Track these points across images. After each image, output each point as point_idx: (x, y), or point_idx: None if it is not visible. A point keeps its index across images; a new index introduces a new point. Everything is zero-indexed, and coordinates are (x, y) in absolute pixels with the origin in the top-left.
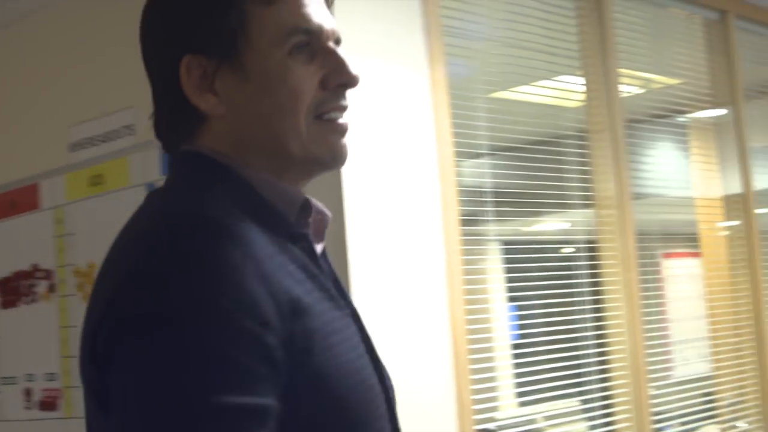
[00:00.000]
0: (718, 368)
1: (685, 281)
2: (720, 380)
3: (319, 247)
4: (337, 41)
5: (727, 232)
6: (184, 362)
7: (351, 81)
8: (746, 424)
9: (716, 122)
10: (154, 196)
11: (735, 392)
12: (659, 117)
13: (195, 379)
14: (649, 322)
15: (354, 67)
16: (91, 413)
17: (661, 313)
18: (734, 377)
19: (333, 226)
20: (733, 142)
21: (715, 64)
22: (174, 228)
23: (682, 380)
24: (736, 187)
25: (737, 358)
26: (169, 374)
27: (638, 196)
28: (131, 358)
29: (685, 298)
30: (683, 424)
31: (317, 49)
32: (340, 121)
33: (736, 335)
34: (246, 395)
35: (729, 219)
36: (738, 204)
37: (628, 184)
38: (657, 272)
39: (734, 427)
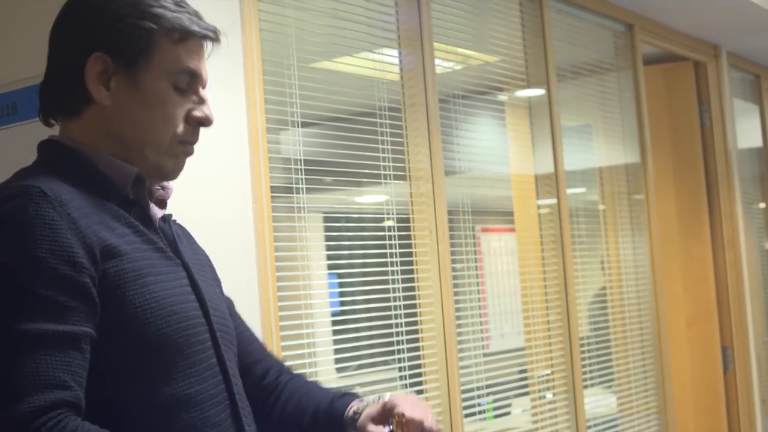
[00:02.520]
0: (530, 342)
1: (502, 256)
2: (532, 354)
3: (159, 213)
4: (204, 86)
5: (539, 210)
6: (4, 301)
7: (206, 121)
8: (552, 395)
9: (531, 101)
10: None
11: (545, 365)
12: (477, 93)
13: (12, 313)
14: (466, 294)
15: (210, 111)
16: None
17: (479, 286)
18: (544, 351)
19: None
20: (546, 122)
21: (530, 44)
22: (3, 196)
23: (498, 353)
24: (548, 165)
25: (547, 331)
26: None
27: (455, 171)
28: None
29: (501, 272)
30: (497, 395)
31: (192, 90)
32: (189, 149)
33: (546, 310)
34: (59, 324)
35: (541, 197)
36: (550, 182)
37: (441, 158)
38: (476, 246)
39: (543, 398)
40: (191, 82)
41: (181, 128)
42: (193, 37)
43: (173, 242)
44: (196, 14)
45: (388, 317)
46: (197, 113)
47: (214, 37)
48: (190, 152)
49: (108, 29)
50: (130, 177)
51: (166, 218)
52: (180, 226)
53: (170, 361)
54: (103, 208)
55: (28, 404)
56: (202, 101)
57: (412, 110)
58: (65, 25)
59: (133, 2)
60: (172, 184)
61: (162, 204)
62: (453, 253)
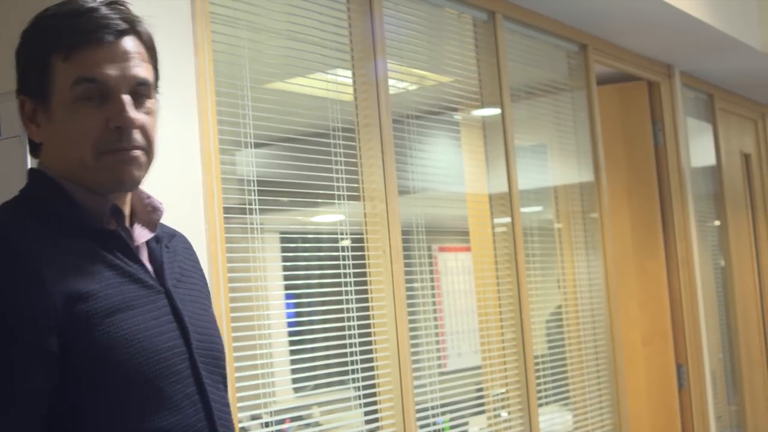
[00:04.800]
0: (486, 360)
1: (458, 275)
2: (488, 372)
3: (145, 236)
4: (142, 84)
5: (494, 229)
6: None
7: (125, 124)
8: (507, 414)
9: (485, 121)
10: None
11: (500, 383)
12: (431, 114)
13: None
14: (422, 313)
15: (133, 111)
16: None
17: (436, 305)
18: (500, 369)
19: None
20: (500, 141)
21: (484, 64)
22: None
23: (455, 371)
24: (502, 185)
25: (503, 350)
26: None
27: (410, 191)
28: None
29: (458, 291)
30: (454, 414)
31: (106, 96)
32: (124, 155)
33: (501, 329)
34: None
35: (496, 216)
36: (504, 201)
37: (394, 178)
38: (433, 265)
39: (499, 416)
40: (102, 89)
41: (96, 139)
42: (84, 44)
43: (159, 268)
44: (104, 14)
45: (343, 337)
46: (113, 120)
47: (118, 29)
48: (127, 159)
49: (20, 72)
50: (106, 208)
51: (160, 238)
52: (180, 241)
53: (143, 396)
54: (74, 248)
55: None
56: (119, 105)
57: (366, 130)
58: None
59: (31, 37)
60: (162, 206)
61: (152, 226)
62: (409, 273)
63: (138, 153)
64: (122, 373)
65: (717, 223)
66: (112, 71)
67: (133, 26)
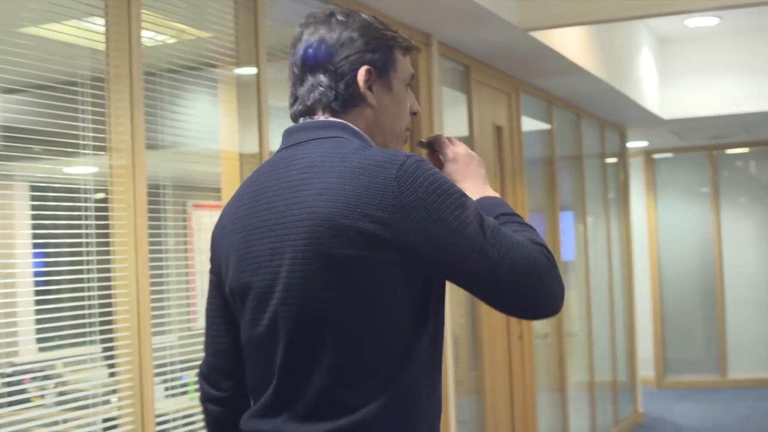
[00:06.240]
0: None
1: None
2: None
3: None
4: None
5: None
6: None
7: (418, 111)
8: None
9: (240, 79)
10: (340, 143)
11: None
12: (189, 69)
13: None
14: (172, 270)
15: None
16: None
17: (187, 263)
18: None
19: None
20: (254, 101)
21: (242, 21)
22: (403, 156)
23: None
24: (254, 145)
25: None
26: None
27: (162, 146)
28: None
29: (209, 249)
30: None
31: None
32: (408, 134)
33: None
34: None
35: (246, 175)
36: (254, 161)
37: (142, 131)
38: (186, 221)
39: None
40: (409, 83)
41: (408, 118)
42: (411, 50)
43: None
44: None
45: (82, 290)
46: (413, 106)
47: (417, 48)
48: (407, 138)
49: (370, 51)
50: None
51: None
52: None
53: None
54: None
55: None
56: (413, 97)
57: (116, 81)
58: (345, 45)
59: (377, 33)
60: None
61: None
62: (159, 228)
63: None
64: None
65: None
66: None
67: None
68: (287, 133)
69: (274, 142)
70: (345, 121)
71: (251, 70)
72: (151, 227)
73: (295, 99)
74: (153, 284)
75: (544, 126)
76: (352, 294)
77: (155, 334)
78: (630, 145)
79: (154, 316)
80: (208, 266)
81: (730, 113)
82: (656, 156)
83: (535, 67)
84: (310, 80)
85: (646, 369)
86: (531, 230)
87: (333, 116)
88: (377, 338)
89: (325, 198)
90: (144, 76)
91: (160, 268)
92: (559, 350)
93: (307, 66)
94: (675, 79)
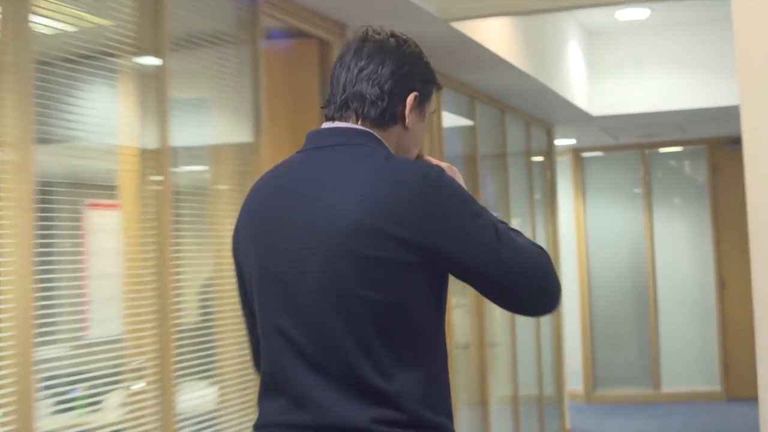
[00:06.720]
0: (129, 329)
1: (107, 234)
2: (129, 342)
3: None
4: None
5: (142, 187)
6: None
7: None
8: (145, 385)
9: (141, 70)
10: (370, 151)
11: (140, 353)
12: (86, 58)
13: None
14: (63, 274)
15: None
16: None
17: (80, 267)
18: (139, 339)
19: None
20: (155, 93)
21: (144, 8)
22: (428, 167)
23: (97, 341)
24: (155, 140)
25: (147, 319)
26: None
27: (55, 140)
28: None
29: (106, 252)
30: (92, 384)
31: None
32: None
33: (146, 296)
34: None
35: (146, 173)
36: (156, 157)
37: (30, 125)
38: (80, 222)
39: (137, 388)
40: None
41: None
42: (440, 90)
43: None
44: None
45: None
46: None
47: (441, 86)
48: None
49: (421, 80)
50: None
51: None
52: None
53: None
54: None
55: None
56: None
57: (3, 70)
58: (404, 69)
59: (427, 66)
60: None
61: None
62: (48, 228)
63: None
64: None
65: None
66: None
67: None
68: (316, 135)
69: (177, 137)
70: (375, 134)
71: (154, 61)
72: (39, 228)
73: (336, 100)
74: (40, 290)
75: (466, 122)
76: (384, 290)
77: (42, 344)
78: (557, 142)
79: (41, 325)
80: (103, 270)
81: (663, 110)
82: (585, 155)
83: (456, 60)
84: (360, 89)
85: (574, 382)
86: (523, 235)
87: (367, 126)
88: (409, 327)
89: (358, 202)
90: (36, 65)
91: (49, 272)
92: (481, 362)
93: (363, 76)
94: (605, 74)
